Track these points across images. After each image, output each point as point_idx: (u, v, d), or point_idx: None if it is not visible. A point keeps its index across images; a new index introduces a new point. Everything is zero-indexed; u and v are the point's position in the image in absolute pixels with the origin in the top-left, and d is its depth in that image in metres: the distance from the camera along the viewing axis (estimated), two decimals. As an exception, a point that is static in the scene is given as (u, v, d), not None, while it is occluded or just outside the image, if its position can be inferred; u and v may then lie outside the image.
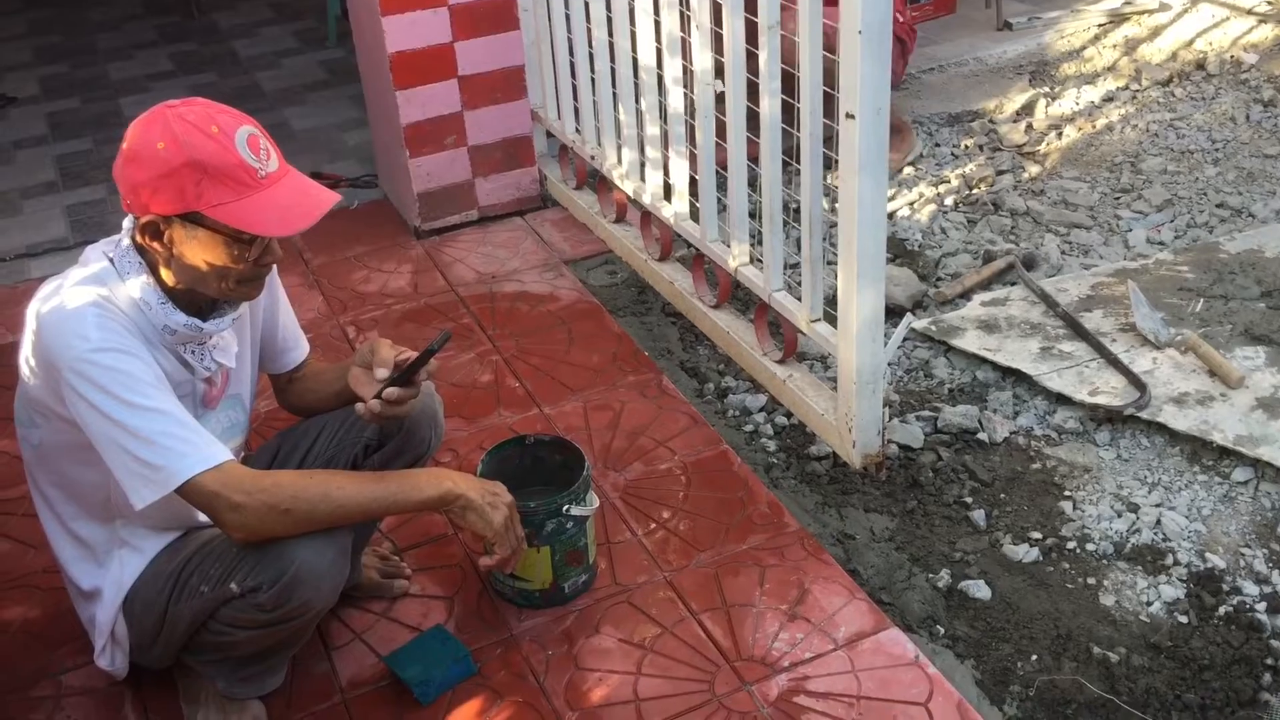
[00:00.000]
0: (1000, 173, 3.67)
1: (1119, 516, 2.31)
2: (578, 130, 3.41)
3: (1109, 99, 4.10)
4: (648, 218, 3.16)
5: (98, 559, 1.86)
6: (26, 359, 1.71)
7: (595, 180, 3.43)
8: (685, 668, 2.01)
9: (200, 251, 1.65)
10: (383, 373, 1.84)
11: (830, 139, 2.25)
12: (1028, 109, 4.08)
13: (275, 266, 1.90)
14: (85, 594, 1.89)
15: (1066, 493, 2.38)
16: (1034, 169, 3.69)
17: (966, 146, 3.87)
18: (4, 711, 2.00)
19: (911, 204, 3.55)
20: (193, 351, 1.77)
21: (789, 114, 2.43)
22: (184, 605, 1.78)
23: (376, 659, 2.05)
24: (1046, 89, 4.21)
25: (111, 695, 2.02)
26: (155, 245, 1.66)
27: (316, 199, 1.69)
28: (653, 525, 2.33)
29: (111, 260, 1.71)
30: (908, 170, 3.75)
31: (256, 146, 1.64)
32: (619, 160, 3.21)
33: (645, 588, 2.18)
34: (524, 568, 2.08)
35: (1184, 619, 2.09)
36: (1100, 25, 4.64)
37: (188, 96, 1.68)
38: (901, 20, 3.65)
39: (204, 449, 1.64)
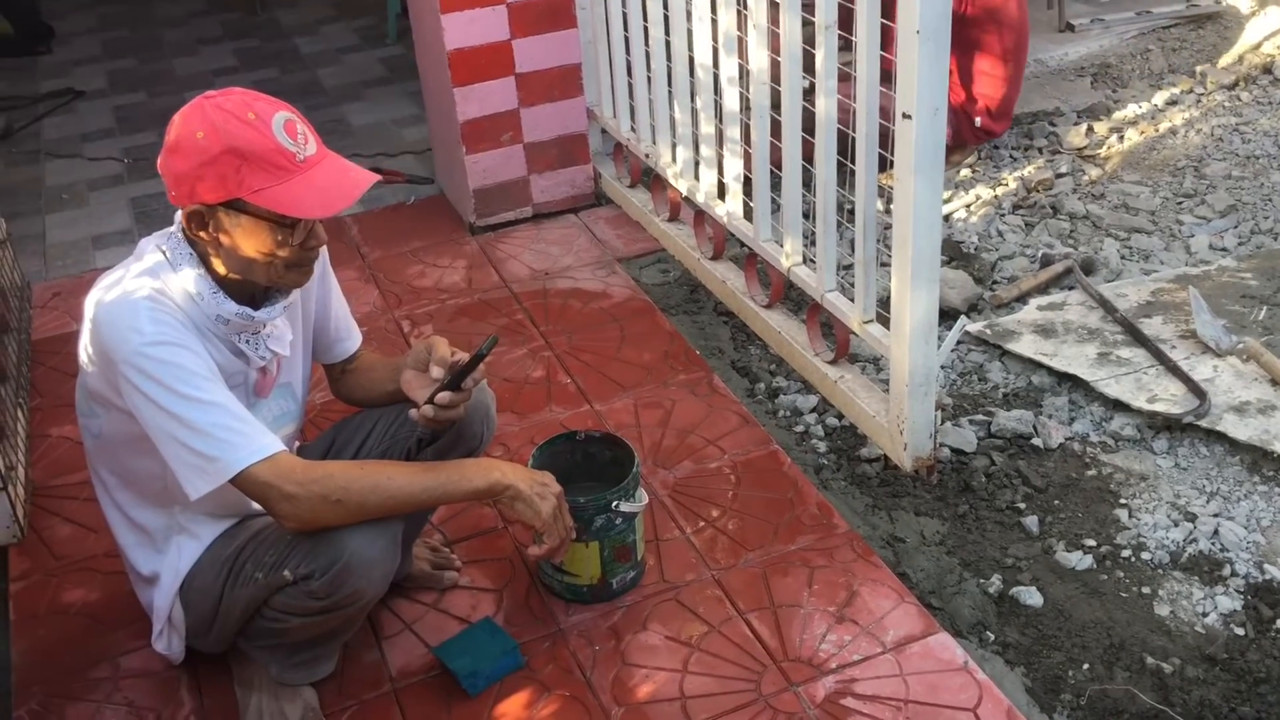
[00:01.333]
0: (1060, 176, 3.63)
1: (1175, 526, 2.27)
2: (633, 128, 3.42)
3: (1172, 102, 4.03)
4: (701, 216, 3.16)
5: (156, 545, 1.90)
6: (85, 350, 1.76)
7: (649, 179, 3.44)
8: (732, 667, 2.01)
9: (246, 238, 1.68)
10: (438, 372, 1.85)
11: (886, 139, 2.24)
12: (1089, 111, 4.03)
13: (327, 258, 1.93)
14: (144, 579, 1.93)
15: (1122, 500, 2.35)
16: (1094, 172, 3.64)
17: (1026, 149, 3.82)
18: (64, 690, 2.05)
19: (968, 206, 3.51)
20: (247, 341, 1.80)
21: (845, 113, 2.42)
22: (239, 591, 1.81)
23: (426, 649, 2.07)
24: (1109, 91, 4.15)
25: (168, 679, 2.06)
26: (202, 235, 1.69)
27: (355, 180, 1.71)
28: (701, 524, 2.33)
29: (164, 252, 1.74)
30: (965, 172, 3.71)
31: (294, 131, 1.66)
32: (673, 159, 3.22)
33: (693, 586, 2.18)
34: (572, 562, 2.09)
35: (1240, 631, 2.05)
36: (1165, 27, 4.56)
37: (274, 98, 1.70)
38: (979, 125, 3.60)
39: (257, 440, 1.67)
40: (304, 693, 1.95)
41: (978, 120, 3.57)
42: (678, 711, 1.93)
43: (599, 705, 1.95)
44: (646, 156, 3.35)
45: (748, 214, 2.94)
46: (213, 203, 1.65)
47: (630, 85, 3.35)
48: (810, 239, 2.70)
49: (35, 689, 2.06)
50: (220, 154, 1.61)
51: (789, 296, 2.94)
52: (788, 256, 2.76)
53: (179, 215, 1.74)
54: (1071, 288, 3.02)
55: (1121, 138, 3.83)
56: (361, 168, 1.74)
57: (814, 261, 2.66)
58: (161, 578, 1.89)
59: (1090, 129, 3.89)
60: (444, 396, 1.83)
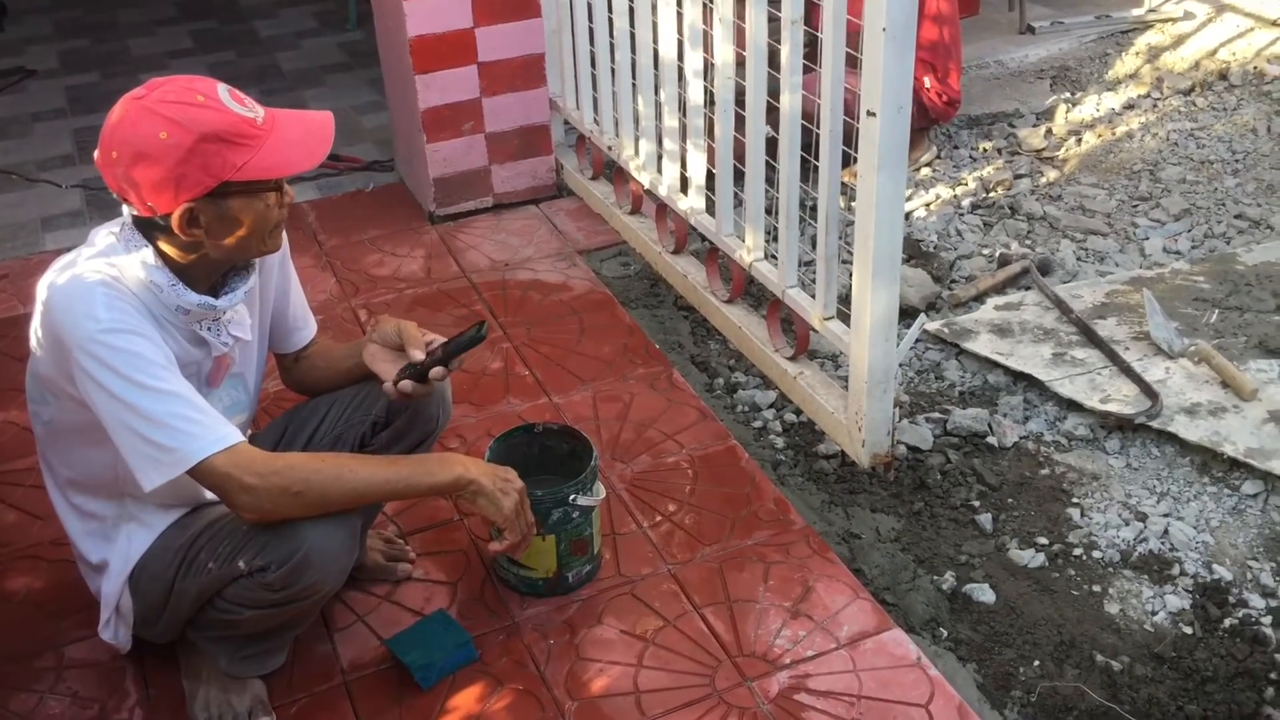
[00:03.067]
0: (1018, 177, 3.66)
1: (1126, 525, 2.30)
2: (596, 120, 3.40)
3: (1130, 106, 4.08)
4: (663, 210, 3.16)
5: (106, 533, 1.86)
6: (36, 336, 1.71)
7: (612, 171, 3.43)
8: (687, 661, 2.01)
9: (238, 219, 1.66)
10: (418, 355, 1.84)
11: (849, 136, 2.24)
12: (1048, 114, 4.06)
13: (287, 245, 1.91)
14: (93, 566, 1.89)
15: (1074, 499, 2.37)
16: (1052, 174, 3.68)
17: (985, 149, 3.85)
18: (6, 680, 2.01)
19: (928, 205, 3.53)
20: (209, 328, 1.77)
21: (809, 109, 2.42)
22: (190, 581, 1.78)
23: (378, 642, 2.05)
24: (1067, 94, 4.19)
25: (113, 669, 2.02)
26: (195, 232, 1.65)
27: (318, 122, 1.71)
28: (658, 518, 2.33)
29: (119, 241, 1.70)
30: (925, 171, 3.73)
31: (240, 99, 1.65)
32: (636, 151, 3.21)
33: (649, 580, 2.18)
34: (529, 556, 2.08)
35: (1189, 630, 2.08)
36: (1124, 32, 4.62)
37: (200, 75, 1.68)
38: (938, 100, 3.62)
39: (215, 430, 1.64)
40: (253, 685, 1.93)
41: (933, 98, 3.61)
42: (632, 706, 1.93)
43: (553, 699, 1.94)
44: (609, 149, 3.34)
45: (710, 208, 2.93)
46: (200, 196, 1.61)
47: (594, 76, 3.33)
48: (772, 235, 2.70)
49: (-24, 679, 2.02)
50: (195, 145, 1.58)
51: (750, 292, 2.94)
52: (749, 252, 2.76)
53: (127, 208, 1.70)
54: (1028, 288, 3.05)
55: (1079, 140, 3.87)
56: (313, 111, 1.73)
57: (775, 257, 2.67)
58: (110, 565, 1.85)
59: (1049, 131, 3.92)
60: (439, 371, 1.83)
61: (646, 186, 3.19)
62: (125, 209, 1.71)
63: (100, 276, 1.64)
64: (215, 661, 1.90)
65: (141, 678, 2.01)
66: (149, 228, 1.68)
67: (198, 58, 4.83)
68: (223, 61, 4.75)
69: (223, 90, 1.64)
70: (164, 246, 1.69)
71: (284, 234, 1.81)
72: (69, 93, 4.57)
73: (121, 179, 1.61)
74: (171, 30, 5.19)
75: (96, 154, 1.64)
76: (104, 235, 1.72)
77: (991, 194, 3.57)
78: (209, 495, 1.80)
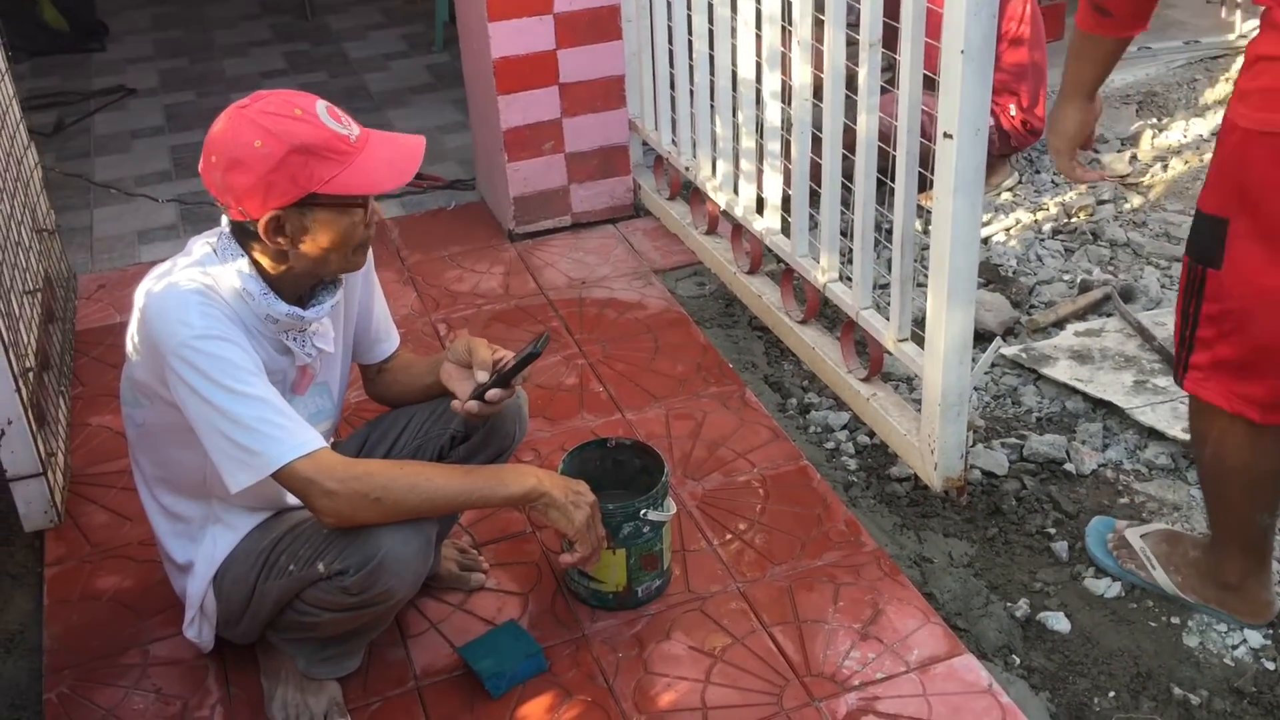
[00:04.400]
0: (1101, 202, 3.61)
1: (1208, 557, 2.25)
2: (674, 141, 3.44)
3: (1217, 133, 4.00)
4: (739, 230, 3.17)
5: (192, 534, 1.92)
6: (132, 340, 1.78)
7: (688, 192, 3.45)
8: (754, 679, 2.01)
9: (323, 230, 1.70)
10: (483, 375, 1.87)
11: (927, 158, 2.24)
12: (1133, 139, 4.01)
13: (372, 259, 1.96)
14: (179, 566, 1.96)
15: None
16: (1137, 200, 3.62)
17: (1067, 174, 3.80)
18: (93, 675, 2.08)
19: (1008, 230, 3.50)
20: (294, 338, 1.83)
21: (886, 131, 2.43)
22: (272, 583, 1.84)
23: (451, 649, 2.09)
24: (1154, 120, 4.13)
25: (196, 667, 2.08)
26: (280, 240, 1.70)
27: (409, 145, 1.75)
28: (728, 536, 2.33)
29: (214, 250, 1.77)
30: (1005, 196, 3.70)
31: (337, 116, 1.70)
32: (713, 172, 3.23)
33: (718, 597, 2.19)
34: (599, 569, 2.10)
35: (1270, 665, 2.02)
36: (1213, 58, 4.53)
37: (304, 91, 1.74)
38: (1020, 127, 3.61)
39: (299, 435, 1.69)
40: (329, 687, 1.97)
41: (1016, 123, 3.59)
42: (699, 721, 1.94)
43: (620, 712, 1.96)
44: (686, 169, 3.36)
45: (785, 229, 2.94)
46: (287, 204, 1.67)
47: (673, 98, 3.36)
48: (847, 256, 2.70)
49: (66, 673, 2.09)
50: (286, 155, 1.63)
51: (824, 313, 2.95)
52: (824, 273, 2.76)
53: (225, 217, 1.77)
54: (1109, 314, 3.01)
55: (1165, 166, 3.80)
56: (406, 134, 1.77)
57: (850, 279, 2.67)
58: (196, 566, 1.92)
59: (1134, 157, 3.87)
60: (495, 393, 1.85)
61: (723, 207, 3.21)
62: (223, 220, 1.78)
63: (195, 285, 1.71)
64: (294, 663, 1.95)
65: (223, 676, 2.06)
66: (244, 237, 1.75)
67: (290, 78, 4.98)
68: (313, 82, 4.89)
69: (321, 106, 1.69)
70: (257, 256, 1.75)
71: (369, 251, 1.86)
72: (166, 111, 4.73)
73: (219, 183, 1.68)
74: (265, 51, 5.36)
75: (201, 159, 1.71)
76: (200, 245, 1.78)
77: (1073, 219, 3.53)
78: (291, 500, 1.85)
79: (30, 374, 2.43)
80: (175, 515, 1.93)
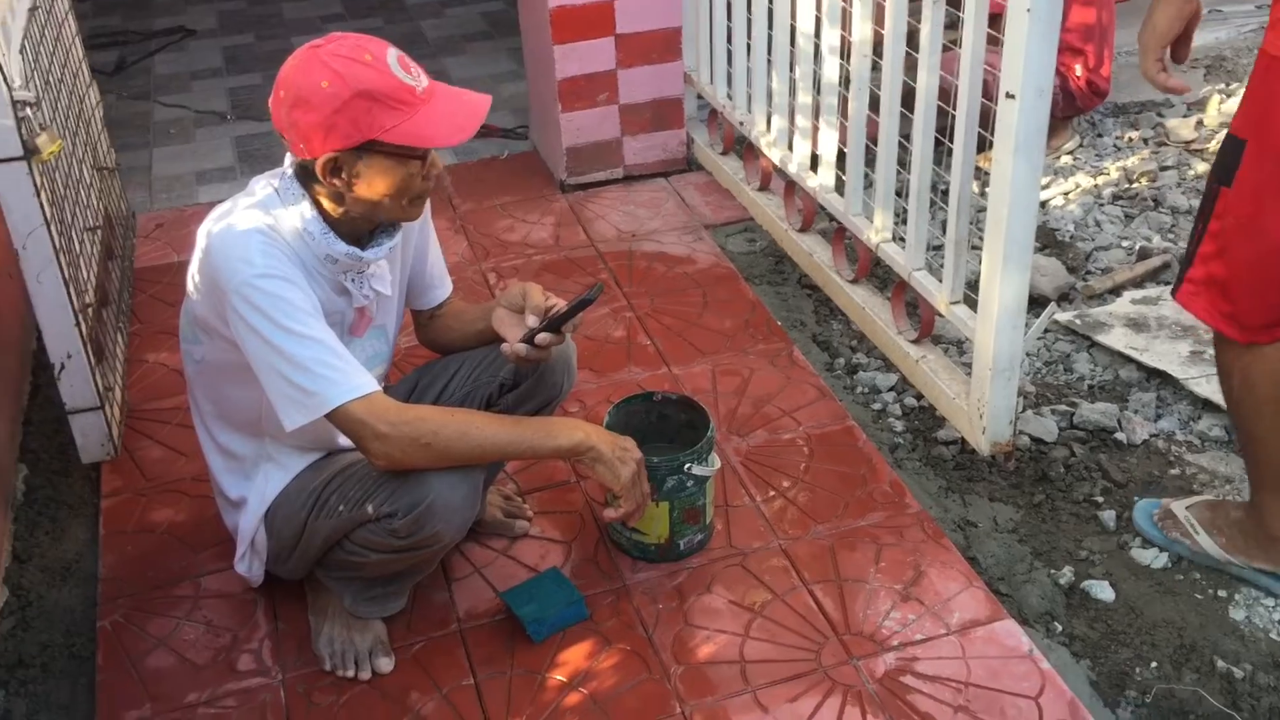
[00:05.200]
0: (1164, 168, 3.53)
1: (1258, 531, 2.22)
2: (729, 95, 3.41)
3: None
4: (791, 187, 3.15)
5: (245, 471, 1.96)
6: (193, 278, 1.81)
7: (742, 147, 3.43)
8: (793, 635, 2.02)
9: (378, 178, 1.71)
10: (534, 320, 1.88)
11: (986, 118, 2.21)
12: (1200, 104, 3.91)
13: (428, 207, 1.97)
14: (232, 502, 2.00)
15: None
16: (1201, 167, 3.54)
17: (1130, 139, 3.73)
18: (147, 605, 2.14)
19: (1066, 194, 3.44)
20: (353, 280, 1.85)
21: (945, 90, 2.39)
22: (321, 522, 1.87)
23: (494, 594, 2.12)
24: (1221, 85, 4.02)
25: (245, 601, 2.13)
26: (335, 182, 1.71)
27: (474, 103, 1.74)
28: (772, 493, 2.34)
29: (277, 192, 1.78)
30: (1065, 159, 3.64)
31: (407, 66, 1.70)
32: (768, 128, 3.20)
33: (759, 553, 2.20)
34: (642, 521, 2.11)
35: (1318, 642, 2.01)
36: (1287, 21, 4.40)
37: (378, 38, 1.72)
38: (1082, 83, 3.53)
39: (354, 378, 1.71)
40: (374, 626, 2.01)
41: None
42: (736, 675, 1.95)
43: (659, 662, 1.98)
44: (741, 124, 3.34)
45: (839, 187, 2.92)
46: (346, 148, 1.68)
47: (729, 52, 3.33)
48: (901, 216, 2.67)
49: (120, 601, 2.15)
50: (350, 99, 1.64)
51: (875, 273, 2.92)
52: (877, 232, 2.74)
53: (289, 157, 1.78)
54: (1168, 283, 2.95)
55: (1232, 133, 3.71)
56: (473, 91, 1.76)
57: (903, 239, 2.64)
58: (249, 502, 1.95)
59: (1200, 122, 3.78)
60: (545, 337, 1.86)
61: (776, 163, 3.18)
62: (286, 160, 1.79)
63: (256, 224, 1.73)
64: (340, 601, 1.99)
65: (271, 611, 2.11)
66: (306, 178, 1.76)
67: (347, 23, 4.98)
68: (370, 27, 4.89)
69: (393, 55, 1.69)
70: (319, 198, 1.77)
71: (427, 201, 1.87)
72: (225, 53, 4.76)
73: (284, 118, 1.69)
74: (322, -5, 5.37)
75: (272, 93, 1.72)
76: (263, 185, 1.80)
77: (1135, 185, 3.46)
78: (343, 441, 1.88)
79: (90, 310, 2.48)
80: (230, 452, 1.97)
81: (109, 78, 4.46)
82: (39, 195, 2.20)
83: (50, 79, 2.57)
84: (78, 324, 2.34)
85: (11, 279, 2.67)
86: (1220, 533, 2.12)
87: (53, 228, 2.25)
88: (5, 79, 2.10)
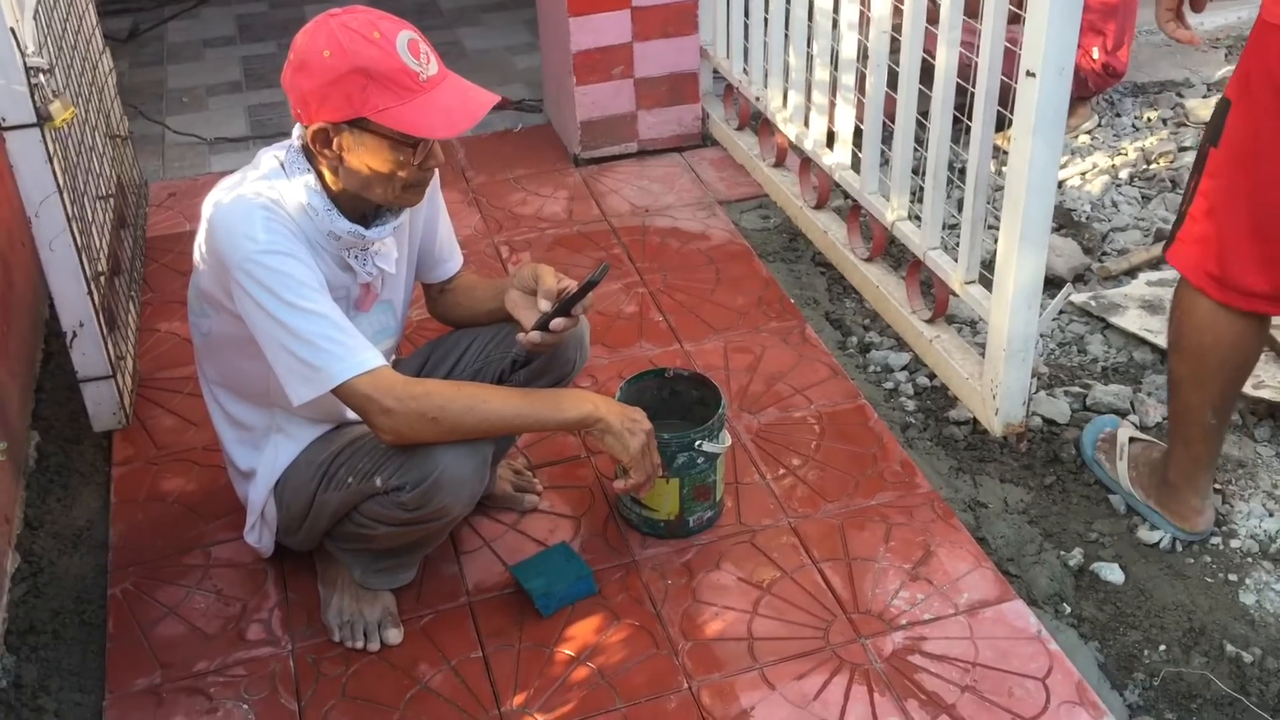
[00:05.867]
0: (1183, 149, 3.50)
1: (1270, 516, 2.21)
2: (745, 70, 3.38)
3: None
4: (807, 164, 3.13)
5: (255, 442, 1.96)
6: (199, 251, 1.80)
7: (757, 122, 3.40)
8: (801, 613, 2.02)
9: (367, 157, 1.70)
10: (546, 304, 1.87)
11: (1005, 96, 2.18)
12: (1220, 85, 3.87)
13: (438, 179, 1.95)
14: (242, 473, 2.00)
15: (1216, 486, 2.29)
16: (1220, 148, 3.50)
17: (1150, 119, 3.70)
18: (156, 573, 2.14)
19: (1083, 174, 3.42)
20: (356, 256, 1.84)
21: (964, 68, 2.37)
22: (330, 494, 1.87)
23: (503, 567, 2.12)
24: (1243, 64, 3.98)
25: (255, 571, 2.14)
26: (325, 152, 1.71)
27: (477, 100, 1.71)
28: (782, 471, 2.33)
29: (282, 165, 1.77)
30: (1083, 139, 3.61)
31: (417, 50, 1.67)
32: (784, 104, 3.18)
33: (769, 531, 2.19)
34: (651, 497, 2.12)
35: (1328, 629, 2.00)
36: (1311, 1, 4.35)
37: (394, 16, 1.71)
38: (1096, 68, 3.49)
39: (360, 354, 1.71)
40: (383, 597, 2.02)
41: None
42: (744, 651, 1.95)
43: (667, 637, 1.98)
44: (756, 100, 3.31)
45: (855, 165, 2.90)
46: (337, 121, 1.67)
47: (746, 26, 3.30)
48: (916, 195, 2.66)
49: (130, 570, 2.16)
50: (347, 73, 1.63)
51: (890, 252, 2.90)
52: (893, 210, 2.72)
53: (297, 128, 1.77)
54: (1184, 265, 2.93)
55: (1253, 114, 3.68)
56: (482, 89, 1.74)
57: (919, 218, 2.62)
58: (258, 473, 1.96)
59: (1220, 103, 3.74)
60: (559, 323, 1.85)
61: (792, 140, 3.16)
62: (294, 132, 1.78)
63: (261, 199, 1.72)
64: (350, 572, 2.00)
65: (281, 581, 2.12)
66: (311, 153, 1.75)
67: (360, -8, 4.95)
68: (383, -3, 4.86)
69: (404, 38, 1.66)
70: (323, 170, 1.76)
71: (429, 184, 1.83)
72: (238, 21, 4.74)
73: (288, 80, 1.69)
74: (336, -35, 5.33)
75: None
76: (269, 158, 1.79)
77: (1153, 166, 3.43)
78: (351, 414, 1.88)
79: (102, 278, 2.47)
80: (239, 423, 1.97)
81: (122, 44, 4.45)
82: (51, 163, 2.20)
83: (63, 45, 2.55)
84: (90, 292, 2.34)
85: (24, 246, 2.68)
86: (1134, 466, 2.22)
87: (65, 195, 2.25)
88: (19, 45, 2.09)
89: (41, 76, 2.16)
